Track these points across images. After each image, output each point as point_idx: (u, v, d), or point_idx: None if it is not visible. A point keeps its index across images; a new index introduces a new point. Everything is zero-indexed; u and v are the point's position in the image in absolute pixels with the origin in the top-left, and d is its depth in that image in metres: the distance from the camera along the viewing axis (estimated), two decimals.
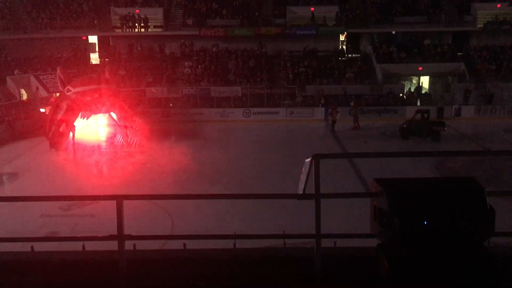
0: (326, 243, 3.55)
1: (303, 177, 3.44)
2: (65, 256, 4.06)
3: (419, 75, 32.69)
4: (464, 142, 22.73)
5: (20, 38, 32.28)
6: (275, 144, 23.03)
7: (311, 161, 3.39)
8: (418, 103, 30.23)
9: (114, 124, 23.50)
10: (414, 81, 33.20)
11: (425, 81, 32.94)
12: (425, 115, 23.46)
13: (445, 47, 33.39)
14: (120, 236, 3.57)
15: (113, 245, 3.71)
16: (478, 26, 33.66)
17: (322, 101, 28.79)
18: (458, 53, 33.30)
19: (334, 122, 26.08)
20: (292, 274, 3.56)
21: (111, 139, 23.05)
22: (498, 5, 34.05)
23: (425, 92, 31.52)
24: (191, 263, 3.58)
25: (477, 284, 2.86)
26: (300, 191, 3.45)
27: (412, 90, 31.42)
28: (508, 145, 22.18)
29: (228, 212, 12.57)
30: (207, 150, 21.97)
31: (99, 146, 22.30)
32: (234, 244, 4.57)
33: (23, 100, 28.32)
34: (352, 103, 27.04)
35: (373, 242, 3.29)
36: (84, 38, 34.67)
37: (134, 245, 5.01)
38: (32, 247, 4.38)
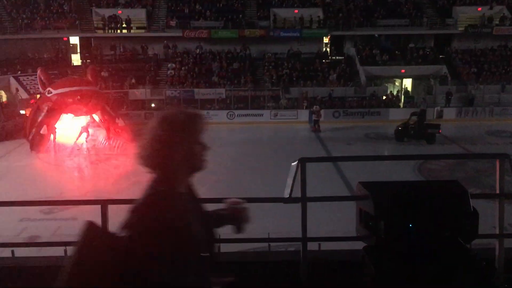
0: (310, 246, 3.54)
1: (289, 181, 3.43)
2: (47, 261, 3.99)
3: (402, 77, 33.02)
4: (446, 144, 22.97)
5: (0, 38, 31.76)
6: (260, 146, 23.02)
7: (297, 164, 3.38)
8: (401, 105, 30.56)
9: (96, 126, 23.27)
10: (397, 83, 33.53)
11: (407, 83, 33.29)
12: (421, 117, 23.64)
13: (427, 50, 33.79)
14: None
15: None
16: (460, 29, 34.17)
17: (306, 104, 28.90)
18: (440, 56, 33.73)
19: (317, 121, 26.21)
20: (277, 278, 3.55)
21: (93, 141, 22.80)
22: (479, 9, 34.63)
23: (410, 96, 31.83)
24: None
25: (461, 285, 2.88)
26: (286, 194, 3.44)
27: (394, 92, 31.74)
28: (489, 147, 22.51)
29: None
30: None
31: (81, 149, 22.04)
32: (219, 248, 4.54)
33: (2, 102, 27.89)
34: (315, 107, 26.91)
35: (358, 245, 3.29)
36: (65, 39, 34.28)
37: None
38: (12, 252, 4.29)
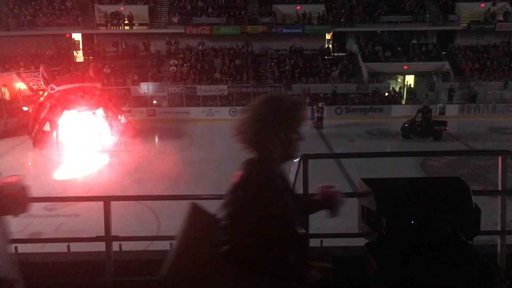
0: (312, 242, 3.55)
1: (291, 177, 3.44)
2: (50, 257, 4.01)
3: (404, 74, 32.95)
4: (449, 141, 22.93)
5: (2, 35, 31.78)
6: None
7: (299, 161, 3.39)
8: (404, 102, 30.52)
9: (98, 122, 23.30)
10: (399, 80, 33.46)
11: (410, 80, 33.22)
12: (428, 115, 23.58)
13: (430, 46, 33.69)
14: (108, 237, 3.53)
15: (98, 246, 3.67)
16: (462, 25, 34.05)
17: (308, 100, 28.85)
18: (443, 52, 33.64)
19: (320, 118, 26.18)
20: None
21: (95, 138, 22.84)
22: (482, 5, 34.49)
23: (412, 92, 31.77)
24: None
25: (463, 282, 2.88)
26: None
27: (397, 89, 31.69)
28: (492, 143, 22.47)
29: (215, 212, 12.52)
30: (194, 149, 21.89)
31: (83, 145, 22.07)
32: None
33: (5, 99, 27.92)
34: (321, 104, 26.89)
35: (360, 242, 3.30)
36: (68, 35, 34.28)
37: (120, 246, 4.96)
38: (15, 248, 4.30)
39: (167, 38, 33.77)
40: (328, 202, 2.45)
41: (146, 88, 29.28)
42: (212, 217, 2.10)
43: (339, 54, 34.78)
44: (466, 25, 33.91)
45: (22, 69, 29.97)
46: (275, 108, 2.07)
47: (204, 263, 1.99)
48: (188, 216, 2.10)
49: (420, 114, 23.69)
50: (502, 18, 33.95)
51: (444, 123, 23.28)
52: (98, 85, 23.06)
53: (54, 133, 21.79)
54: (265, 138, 2.06)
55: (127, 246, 4.30)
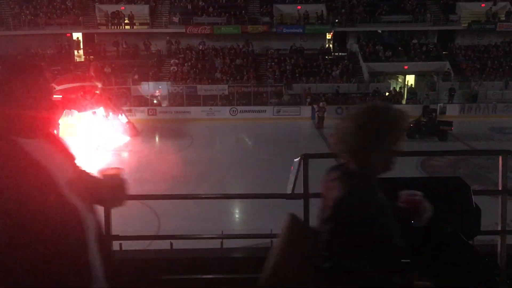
0: None
1: (291, 177, 3.43)
2: None
3: (405, 73, 32.95)
4: (449, 140, 22.92)
5: (3, 35, 31.80)
6: (262, 142, 23.03)
7: (299, 160, 3.38)
8: (404, 102, 30.50)
9: (99, 122, 23.31)
10: (400, 80, 33.45)
11: (410, 79, 33.22)
12: (433, 115, 23.50)
13: (431, 46, 33.69)
14: (108, 237, 3.53)
15: None
16: (463, 25, 34.04)
17: (309, 100, 28.87)
18: (443, 52, 33.63)
19: (321, 118, 26.19)
20: None
21: (96, 137, 22.84)
22: (483, 5, 34.50)
23: (413, 92, 31.76)
24: (178, 263, 3.56)
25: (463, 282, 2.88)
26: (288, 191, 3.44)
27: (397, 89, 31.68)
28: (492, 143, 22.46)
29: (215, 211, 12.54)
30: (194, 149, 21.89)
31: (83, 145, 22.07)
32: (221, 244, 4.55)
33: None
34: (322, 104, 26.91)
35: None
36: (69, 35, 34.29)
37: (121, 245, 4.95)
38: None
39: (167, 37, 33.79)
40: (414, 210, 2.34)
41: (147, 88, 29.29)
42: (312, 230, 2.03)
43: (340, 53, 34.80)
44: (466, 25, 33.90)
45: None
46: (380, 118, 1.98)
47: (303, 278, 1.93)
48: (287, 227, 2.02)
49: (425, 114, 23.58)
50: (504, 18, 33.92)
51: (450, 123, 23.20)
52: (99, 85, 23.08)
53: (55, 132, 21.78)
54: (368, 149, 1.97)
55: (128, 245, 4.30)
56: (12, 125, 1.81)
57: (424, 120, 23.33)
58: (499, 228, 3.46)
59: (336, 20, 33.92)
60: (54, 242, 1.72)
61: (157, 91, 29.31)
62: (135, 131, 23.27)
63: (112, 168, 2.18)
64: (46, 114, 1.92)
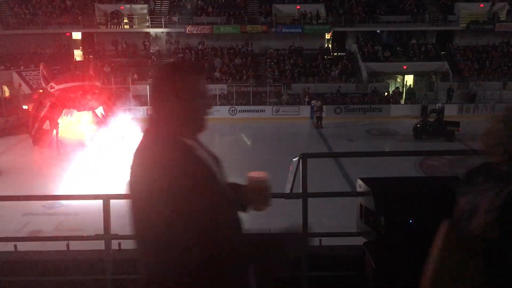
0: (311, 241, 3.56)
1: (290, 177, 3.45)
2: (49, 255, 4.02)
3: (403, 73, 32.97)
4: (448, 140, 22.91)
5: (2, 34, 31.77)
6: (261, 142, 23.03)
7: (298, 160, 3.40)
8: (403, 102, 30.55)
9: (98, 121, 23.29)
10: (398, 80, 33.47)
11: (409, 79, 33.25)
12: (440, 115, 23.32)
13: (429, 46, 33.71)
14: (107, 236, 3.54)
15: (97, 244, 3.67)
16: (461, 25, 34.06)
17: (307, 99, 28.89)
18: (442, 52, 33.66)
19: (320, 118, 26.21)
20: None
21: (95, 136, 22.83)
22: (481, 5, 34.52)
23: (411, 92, 31.79)
24: None
25: None
26: (287, 190, 3.46)
27: (395, 89, 31.71)
28: None
29: None
30: None
31: (83, 144, 22.07)
32: None
33: (5, 97, 27.91)
34: (315, 102, 26.91)
35: (359, 241, 3.32)
36: (68, 34, 34.29)
37: (120, 244, 4.96)
38: (15, 247, 4.32)
39: (167, 37, 33.76)
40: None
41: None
42: (475, 238, 1.86)
43: (339, 53, 34.82)
44: (465, 25, 33.93)
45: (22, 67, 29.96)
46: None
47: None
48: (444, 236, 1.89)
49: (433, 114, 23.47)
50: (505, 18, 33.93)
51: (457, 124, 23.02)
52: (98, 84, 23.06)
53: (54, 131, 21.78)
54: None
55: (127, 244, 4.31)
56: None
57: (431, 120, 23.12)
58: None
59: (330, 18, 33.90)
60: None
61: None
62: (134, 130, 23.24)
63: (258, 172, 2.27)
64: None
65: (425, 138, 22.79)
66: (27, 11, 33.12)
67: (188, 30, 33.18)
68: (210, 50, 33.53)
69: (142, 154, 1.90)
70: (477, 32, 34.19)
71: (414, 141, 22.63)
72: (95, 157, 20.52)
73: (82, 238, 3.81)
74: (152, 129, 1.95)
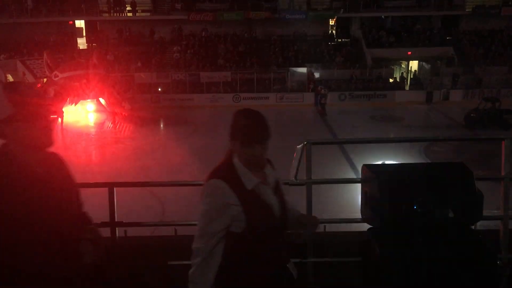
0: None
1: (294, 163, 3.45)
2: None
3: (408, 59, 32.75)
4: (452, 126, 22.86)
5: (5, 22, 31.68)
6: None
7: (302, 147, 3.40)
8: (407, 88, 30.39)
9: (102, 110, 23.35)
10: (403, 65, 33.28)
11: (414, 65, 33.04)
12: (496, 104, 22.31)
13: (434, 31, 33.42)
14: (112, 223, 3.57)
15: (103, 232, 3.70)
16: (467, 10, 33.70)
17: (312, 86, 28.80)
18: (447, 37, 33.36)
19: (323, 104, 26.15)
20: None
21: (100, 125, 22.90)
22: None
23: (416, 78, 31.60)
24: (182, 249, 3.60)
25: (465, 267, 2.90)
26: (291, 177, 3.47)
27: (400, 74, 31.56)
28: (496, 128, 22.36)
29: None
30: (198, 136, 21.91)
31: (87, 132, 22.15)
32: None
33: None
34: (321, 89, 26.79)
35: (363, 227, 3.32)
36: (71, 22, 34.15)
37: (125, 231, 5.00)
38: None
39: (170, 24, 33.60)
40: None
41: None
42: None
43: (343, 39, 34.57)
44: (470, 9, 33.57)
45: (25, 56, 29.93)
46: None
47: None
48: None
49: (488, 103, 22.47)
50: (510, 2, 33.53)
51: None
52: (102, 72, 23.06)
53: (59, 120, 21.84)
54: None
55: (132, 231, 4.34)
56: None
57: (485, 109, 22.05)
58: (501, 214, 3.48)
59: (334, 4, 33.60)
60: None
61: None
62: (138, 118, 23.29)
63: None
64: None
65: (479, 128, 21.42)
66: None
67: (192, 17, 32.99)
68: (213, 37, 33.36)
69: None
70: (483, 17, 33.82)
71: (421, 127, 22.46)
72: (99, 145, 20.61)
73: None
74: None
